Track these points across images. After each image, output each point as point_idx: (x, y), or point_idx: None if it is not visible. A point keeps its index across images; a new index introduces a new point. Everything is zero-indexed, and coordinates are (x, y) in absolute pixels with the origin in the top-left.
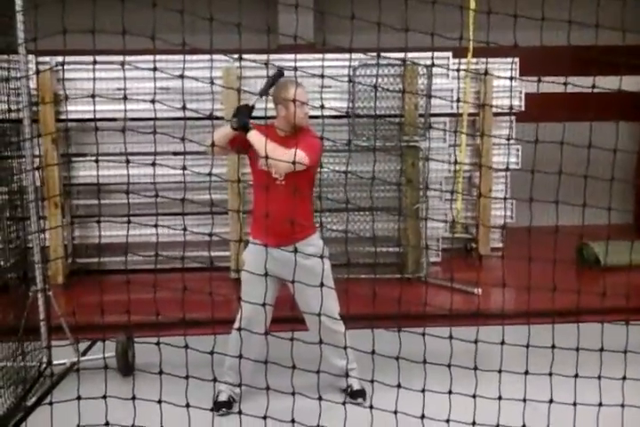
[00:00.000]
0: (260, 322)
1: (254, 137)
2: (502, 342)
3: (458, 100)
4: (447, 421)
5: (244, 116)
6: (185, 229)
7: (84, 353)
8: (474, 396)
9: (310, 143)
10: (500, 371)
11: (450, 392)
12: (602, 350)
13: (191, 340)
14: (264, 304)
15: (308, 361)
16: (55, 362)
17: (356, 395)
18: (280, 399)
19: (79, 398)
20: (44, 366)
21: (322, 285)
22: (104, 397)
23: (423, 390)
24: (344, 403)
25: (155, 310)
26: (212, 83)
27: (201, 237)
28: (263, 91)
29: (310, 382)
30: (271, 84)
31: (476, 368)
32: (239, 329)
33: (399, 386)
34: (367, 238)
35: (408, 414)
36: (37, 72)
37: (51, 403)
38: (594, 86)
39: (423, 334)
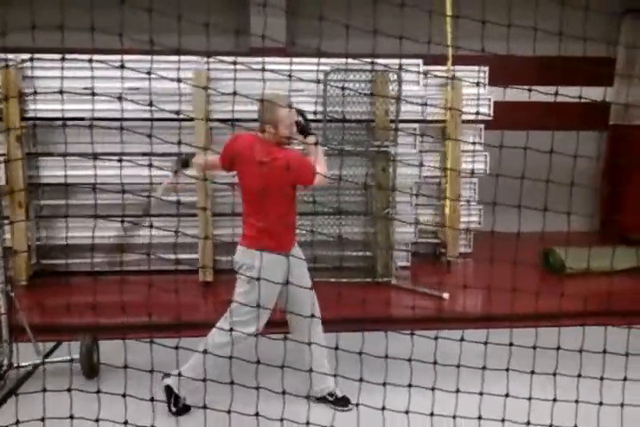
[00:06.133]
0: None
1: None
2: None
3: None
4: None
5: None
6: (151, 227)
7: (48, 355)
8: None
9: (306, 161)
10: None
11: (410, 385)
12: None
13: (158, 342)
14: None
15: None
16: (17, 364)
17: (339, 402)
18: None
19: (45, 390)
20: (4, 368)
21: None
22: (68, 390)
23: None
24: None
25: (120, 312)
26: (179, 80)
27: (170, 238)
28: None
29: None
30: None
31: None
32: (231, 330)
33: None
34: (341, 242)
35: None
36: (7, 66)
37: (16, 394)
38: (580, 97)
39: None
